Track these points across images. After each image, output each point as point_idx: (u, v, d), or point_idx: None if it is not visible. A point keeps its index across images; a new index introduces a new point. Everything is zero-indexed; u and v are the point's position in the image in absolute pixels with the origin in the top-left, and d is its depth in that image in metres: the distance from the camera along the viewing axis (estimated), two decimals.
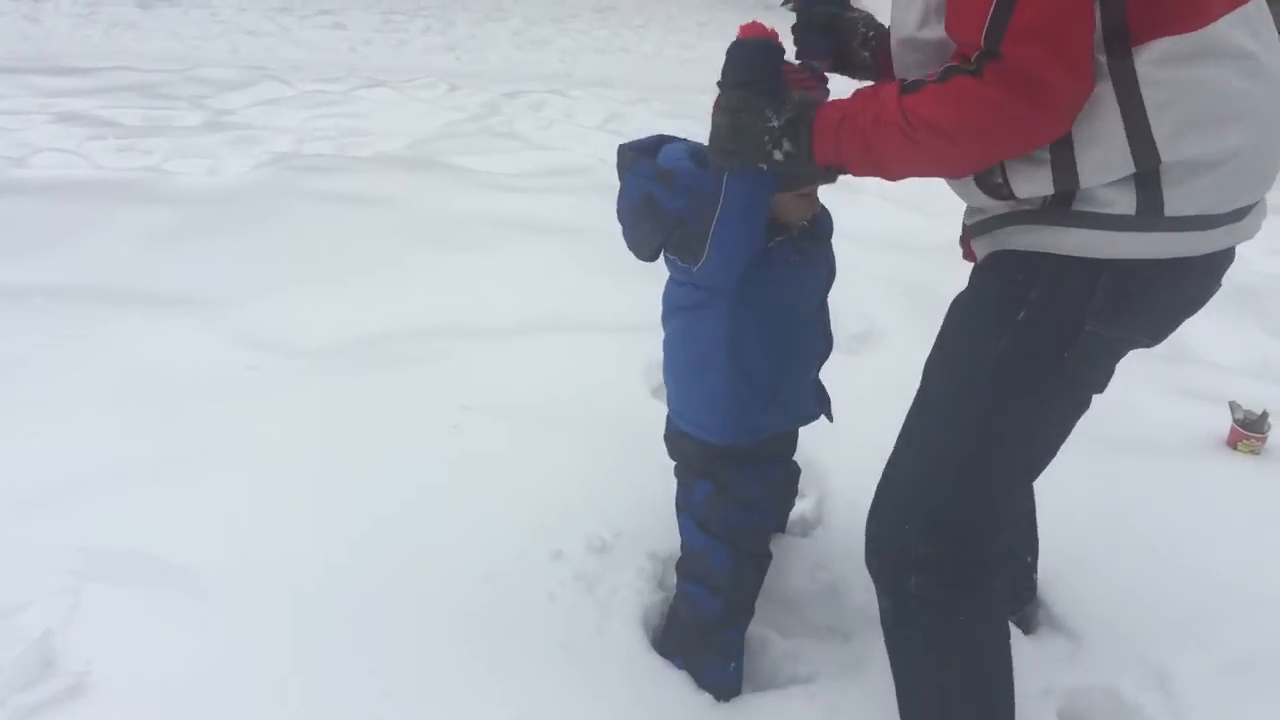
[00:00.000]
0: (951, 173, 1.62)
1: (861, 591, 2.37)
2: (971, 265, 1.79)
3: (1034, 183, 1.52)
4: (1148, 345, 1.68)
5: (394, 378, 3.06)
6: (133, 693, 1.90)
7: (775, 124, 1.61)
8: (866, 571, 2.41)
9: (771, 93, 1.63)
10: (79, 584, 2.14)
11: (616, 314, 3.66)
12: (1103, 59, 1.42)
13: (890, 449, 2.79)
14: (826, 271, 2.08)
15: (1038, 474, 1.76)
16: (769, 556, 2.18)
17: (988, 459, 1.68)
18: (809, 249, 1.97)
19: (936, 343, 1.77)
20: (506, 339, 3.41)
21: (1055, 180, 1.50)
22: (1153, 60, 1.41)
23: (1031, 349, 1.60)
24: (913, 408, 1.79)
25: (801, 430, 2.92)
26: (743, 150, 1.63)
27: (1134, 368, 1.70)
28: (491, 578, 2.27)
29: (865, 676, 2.12)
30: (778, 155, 1.62)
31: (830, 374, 3.31)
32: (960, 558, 1.71)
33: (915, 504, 1.72)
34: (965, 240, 1.81)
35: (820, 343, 2.14)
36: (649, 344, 3.39)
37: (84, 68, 8.20)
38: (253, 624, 2.09)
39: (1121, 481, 2.76)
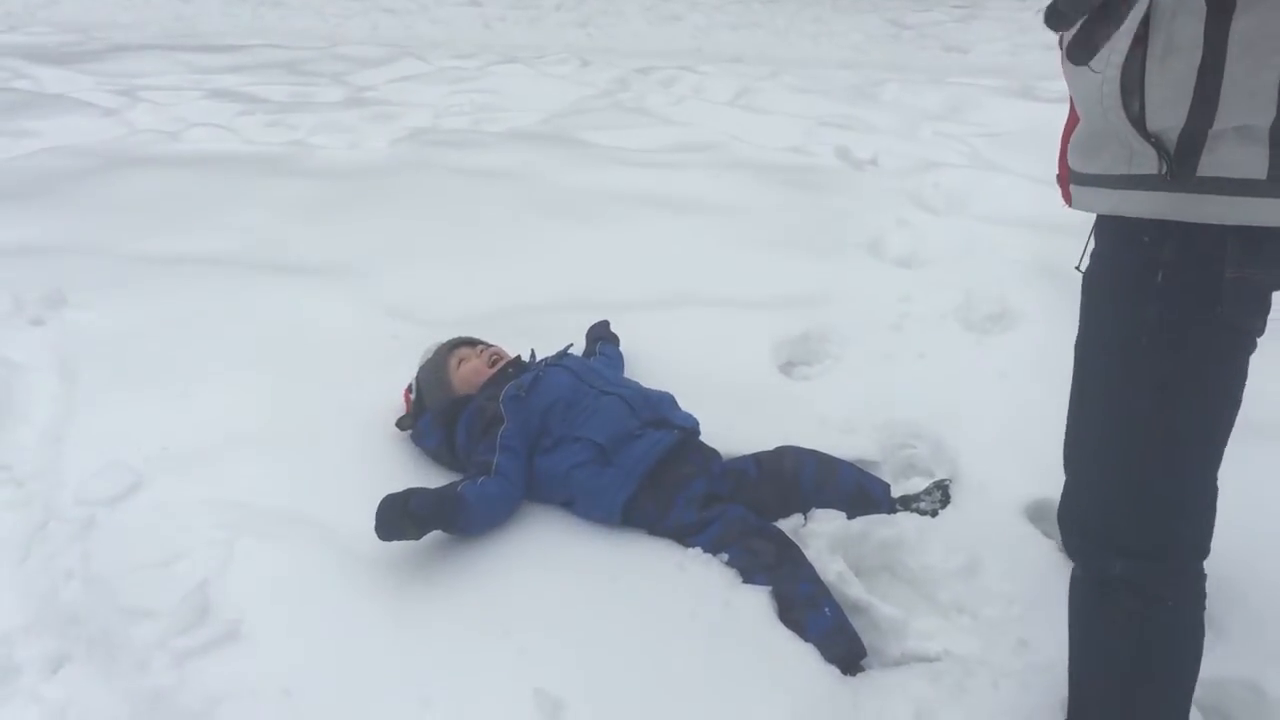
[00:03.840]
0: None
1: (992, 571, 2.35)
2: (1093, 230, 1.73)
3: (1171, 110, 1.42)
4: None
5: (527, 349, 3.12)
6: (282, 641, 2.00)
7: None
8: (996, 551, 2.41)
9: None
10: (231, 538, 2.26)
11: (745, 290, 3.67)
12: None
13: (1020, 428, 2.76)
14: (565, 377, 2.62)
15: (1228, 432, 1.66)
16: (760, 528, 2.35)
17: (1175, 430, 1.61)
18: (522, 389, 2.55)
19: (1082, 323, 1.72)
20: (635, 313, 3.44)
21: (1192, 109, 1.39)
22: None
23: (1181, 310, 1.53)
24: (1076, 394, 1.74)
25: (931, 411, 2.91)
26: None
27: (1266, 345, 1.63)
28: (621, 547, 2.31)
29: (993, 657, 2.10)
30: None
31: (962, 355, 3.28)
32: (1171, 540, 1.67)
33: (1113, 492, 1.68)
34: (1063, 180, 1.75)
35: (617, 404, 2.56)
36: (777, 320, 3.41)
37: (233, 45, 8.53)
38: (389, 580, 2.17)
39: (1266, 468, 2.66)
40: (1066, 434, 1.79)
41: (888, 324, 3.43)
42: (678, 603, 2.15)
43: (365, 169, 5.06)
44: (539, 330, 3.25)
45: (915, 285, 3.73)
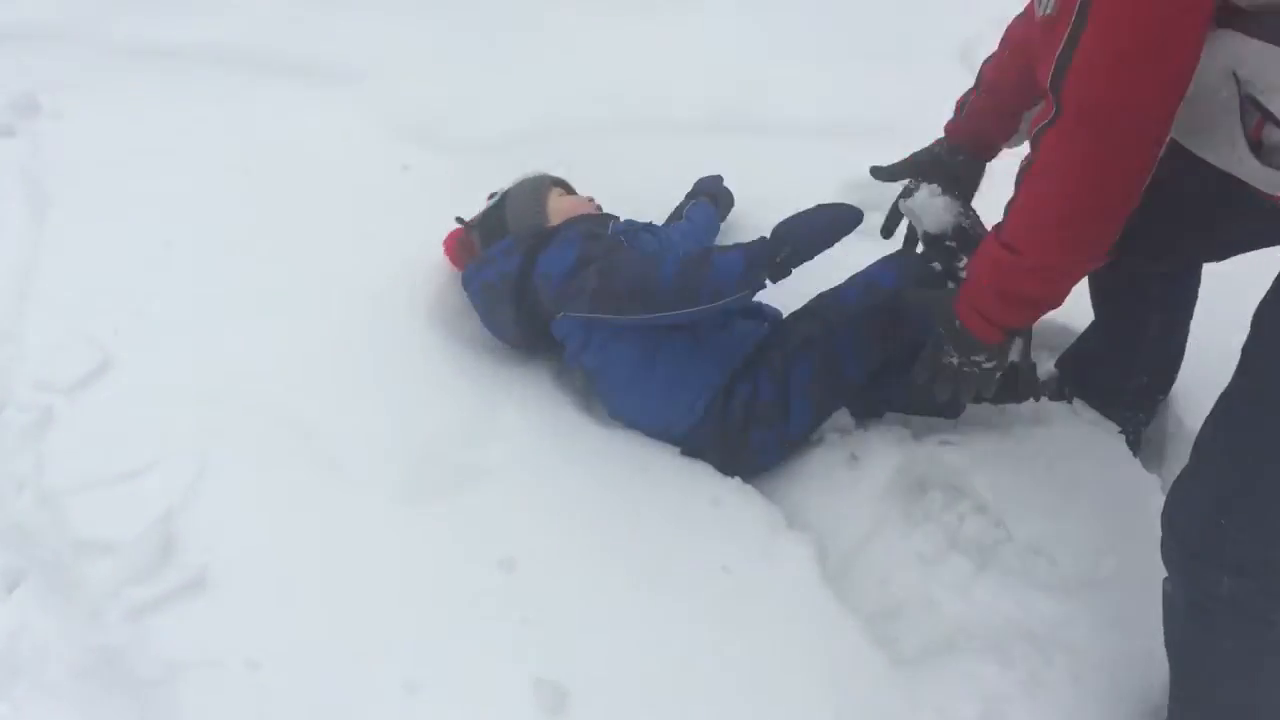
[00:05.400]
0: (1088, 254, 1.54)
1: (1078, 506, 2.00)
2: None
3: None
4: None
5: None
6: (250, 595, 1.72)
7: (953, 359, 1.75)
8: (1084, 476, 2.06)
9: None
10: (205, 445, 1.95)
11: (812, 112, 3.20)
12: None
13: None
14: (653, 244, 2.37)
15: None
16: None
17: None
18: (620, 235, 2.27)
19: (1262, 328, 1.46)
20: (688, 138, 3.00)
21: None
22: None
23: None
24: (1237, 389, 1.47)
25: None
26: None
27: None
28: (650, 484, 2.00)
29: (1075, 638, 1.79)
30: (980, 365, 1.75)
31: None
32: None
33: (1237, 495, 1.44)
34: None
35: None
36: (847, 153, 2.88)
37: None
38: (376, 516, 1.88)
39: None
40: (1209, 417, 1.52)
41: None
42: (710, 554, 1.85)
43: None
44: (579, 160, 2.80)
45: None
